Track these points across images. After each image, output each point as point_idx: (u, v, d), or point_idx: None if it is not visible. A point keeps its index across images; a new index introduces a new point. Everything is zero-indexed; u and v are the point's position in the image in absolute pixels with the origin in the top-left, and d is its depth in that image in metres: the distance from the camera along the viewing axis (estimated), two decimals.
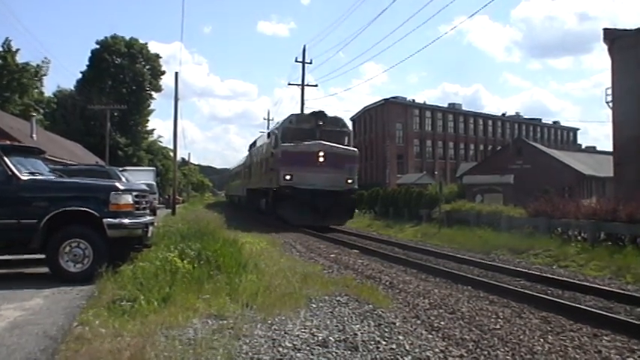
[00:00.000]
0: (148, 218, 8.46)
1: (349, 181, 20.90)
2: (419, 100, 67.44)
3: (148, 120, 62.54)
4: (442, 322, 5.94)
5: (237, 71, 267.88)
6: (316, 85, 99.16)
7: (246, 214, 28.63)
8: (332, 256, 12.25)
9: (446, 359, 4.48)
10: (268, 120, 51.64)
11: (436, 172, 56.00)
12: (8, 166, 7.34)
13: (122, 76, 57.69)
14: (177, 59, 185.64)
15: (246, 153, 35.93)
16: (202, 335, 4.49)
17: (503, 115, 74.87)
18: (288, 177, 20.18)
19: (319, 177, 20.16)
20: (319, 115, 21.73)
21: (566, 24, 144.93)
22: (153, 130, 64.95)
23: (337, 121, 22.42)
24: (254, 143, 32.81)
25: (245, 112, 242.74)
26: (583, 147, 73.21)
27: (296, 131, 21.26)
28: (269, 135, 25.39)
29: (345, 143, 21.74)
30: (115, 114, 50.73)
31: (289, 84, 36.38)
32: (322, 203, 19.91)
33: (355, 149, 22.43)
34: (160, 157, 63.12)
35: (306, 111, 29.30)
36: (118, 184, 8.21)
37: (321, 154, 20.41)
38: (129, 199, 7.68)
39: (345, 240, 16.05)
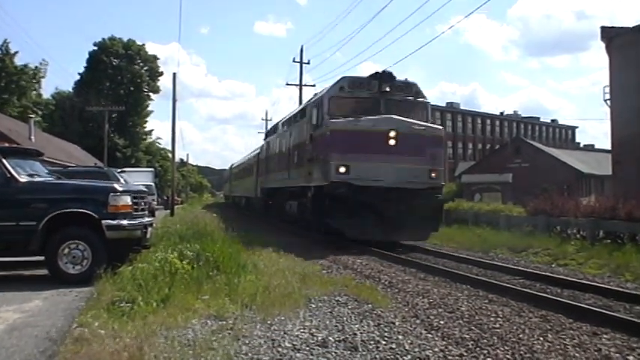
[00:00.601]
0: (147, 219, 8.47)
1: (433, 174, 14.09)
2: None
3: (146, 121, 62.81)
4: (441, 322, 5.93)
5: (235, 72, 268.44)
6: (314, 85, 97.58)
7: (254, 218, 26.38)
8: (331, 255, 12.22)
9: (445, 358, 4.48)
10: (266, 120, 51.39)
11: None
12: (7, 169, 7.35)
13: (120, 77, 57.73)
14: (174, 60, 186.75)
15: (251, 149, 33.79)
16: (201, 336, 4.50)
17: (501, 113, 74.86)
18: (342, 169, 13.59)
19: (390, 168, 13.61)
20: (384, 77, 14.47)
21: (564, 22, 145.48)
22: (151, 131, 65.27)
23: (410, 87, 14.94)
24: (274, 128, 25.00)
25: (243, 112, 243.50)
26: (581, 145, 73.36)
27: (350, 102, 14.51)
28: (304, 111, 17.31)
29: (424, 119, 14.71)
30: (113, 115, 50.73)
31: (287, 84, 36.15)
32: (394, 208, 13.35)
33: (440, 127, 15.84)
34: (159, 158, 63.27)
35: None
36: (116, 186, 8.23)
37: (392, 134, 13.65)
38: (127, 200, 7.68)
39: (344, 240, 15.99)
